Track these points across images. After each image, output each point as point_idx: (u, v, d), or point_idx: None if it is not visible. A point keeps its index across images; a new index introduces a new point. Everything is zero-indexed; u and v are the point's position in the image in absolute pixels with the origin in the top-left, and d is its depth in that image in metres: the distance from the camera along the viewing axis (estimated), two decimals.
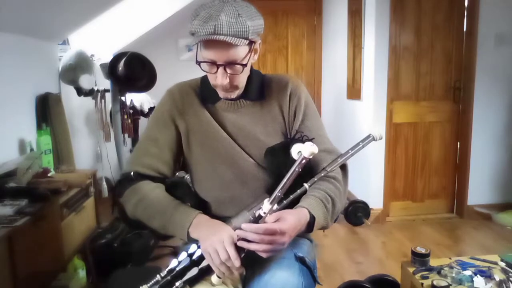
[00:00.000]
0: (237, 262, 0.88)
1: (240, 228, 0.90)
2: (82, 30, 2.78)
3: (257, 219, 0.89)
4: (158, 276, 0.93)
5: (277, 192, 0.87)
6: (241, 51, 0.97)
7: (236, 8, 0.95)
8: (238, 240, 0.89)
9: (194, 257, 0.95)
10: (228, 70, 0.99)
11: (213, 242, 0.90)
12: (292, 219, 0.90)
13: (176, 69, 4.01)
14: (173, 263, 0.95)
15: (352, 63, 3.38)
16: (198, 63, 1.00)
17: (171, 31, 3.98)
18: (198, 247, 0.95)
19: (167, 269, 0.94)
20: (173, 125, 1.12)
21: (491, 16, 2.94)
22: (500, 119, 3.10)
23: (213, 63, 0.98)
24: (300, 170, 0.88)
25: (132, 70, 2.52)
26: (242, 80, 1.06)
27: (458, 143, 3.19)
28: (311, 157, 0.86)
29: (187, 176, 1.21)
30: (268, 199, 0.88)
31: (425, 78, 3.07)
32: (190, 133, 1.12)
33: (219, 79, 1.00)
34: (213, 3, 0.97)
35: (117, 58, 2.54)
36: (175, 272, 0.94)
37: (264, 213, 0.87)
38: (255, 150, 1.09)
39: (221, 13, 0.93)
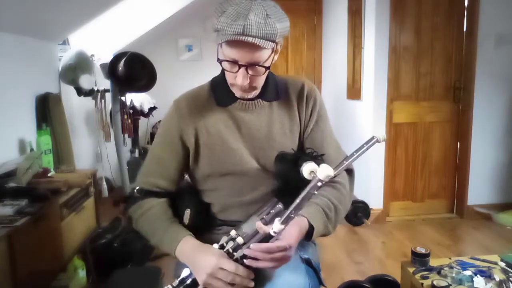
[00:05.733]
0: (251, 275, 0.89)
1: (250, 232, 0.90)
2: (82, 30, 2.78)
3: (268, 239, 0.87)
4: (170, 286, 0.92)
5: (289, 213, 0.85)
6: (265, 53, 0.95)
7: (264, 8, 0.92)
8: (247, 259, 0.88)
9: None
10: (250, 71, 0.97)
11: (211, 272, 0.89)
12: (295, 232, 0.91)
13: (176, 69, 4.02)
14: (185, 272, 0.95)
15: (352, 63, 3.38)
16: (220, 61, 0.98)
17: (171, 31, 3.99)
18: None
19: (178, 279, 0.94)
20: (180, 142, 1.09)
21: (491, 16, 2.94)
22: (500, 119, 3.10)
23: (235, 62, 0.96)
24: (316, 192, 0.85)
25: (132, 70, 2.52)
26: (261, 81, 1.04)
27: (458, 143, 3.19)
28: (326, 179, 0.82)
29: (186, 176, 1.20)
30: (279, 218, 0.85)
31: (425, 78, 3.07)
32: (198, 146, 1.09)
33: (239, 79, 0.97)
34: (240, 0, 0.92)
35: (117, 58, 2.54)
36: (187, 282, 0.93)
37: (275, 232, 0.85)
38: (271, 151, 1.07)
39: (250, 13, 0.89)
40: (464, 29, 3.05)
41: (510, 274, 1.30)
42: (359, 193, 3.14)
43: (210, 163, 1.09)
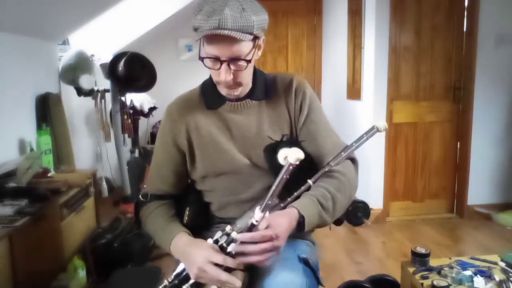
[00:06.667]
0: (241, 266, 0.89)
1: (244, 227, 0.90)
2: (82, 30, 2.79)
3: (250, 228, 0.87)
4: (165, 281, 0.94)
5: (267, 200, 0.86)
6: (245, 47, 0.96)
7: (240, 3, 0.94)
8: (235, 252, 0.89)
9: None
10: (232, 66, 0.97)
11: (200, 266, 0.90)
12: (283, 222, 0.90)
13: (176, 69, 4.01)
14: (180, 267, 0.96)
15: (352, 63, 3.38)
16: (201, 59, 0.99)
17: (171, 31, 3.99)
18: None
19: (174, 274, 0.95)
20: (175, 146, 1.12)
21: (491, 16, 2.94)
22: (500, 119, 3.10)
23: (216, 59, 0.96)
24: (288, 176, 0.85)
25: (132, 70, 2.52)
26: (245, 76, 1.04)
27: (458, 143, 3.19)
28: (297, 163, 0.84)
29: None
30: (259, 206, 0.86)
31: (425, 78, 3.07)
32: (192, 148, 1.12)
33: (222, 75, 0.98)
34: None
35: (117, 58, 2.55)
36: (181, 276, 0.94)
37: (257, 221, 0.86)
38: (262, 150, 1.07)
39: (225, 8, 0.91)
40: (464, 29, 3.05)
41: (510, 274, 1.30)
42: (359, 193, 3.13)
43: (204, 164, 1.11)
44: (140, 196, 1.15)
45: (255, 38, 0.98)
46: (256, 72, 1.11)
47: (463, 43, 3.06)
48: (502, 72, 3.03)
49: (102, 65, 2.74)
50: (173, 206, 1.14)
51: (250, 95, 1.10)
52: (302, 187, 0.98)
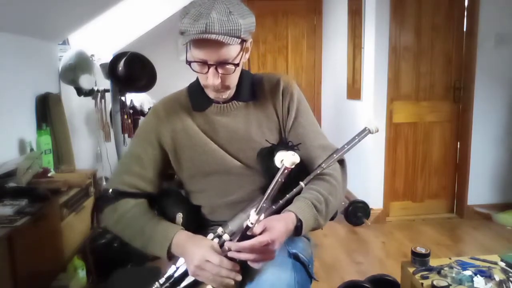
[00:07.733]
0: (237, 267, 0.89)
1: (236, 229, 0.91)
2: (82, 30, 2.78)
3: (245, 231, 0.87)
4: (157, 283, 0.94)
5: (262, 203, 0.85)
6: (233, 50, 0.95)
7: (227, 6, 0.93)
8: (229, 252, 0.89)
9: None
10: (220, 70, 0.96)
11: (198, 264, 0.90)
12: (280, 226, 0.90)
13: (176, 69, 4.00)
14: (171, 269, 0.96)
15: (352, 63, 3.38)
16: (189, 63, 0.97)
17: (171, 31, 3.98)
18: None
19: (165, 276, 0.95)
20: (158, 144, 1.09)
21: (491, 16, 2.94)
22: (500, 119, 3.10)
23: (204, 63, 0.96)
24: (283, 180, 0.85)
25: (132, 70, 2.52)
26: (233, 80, 1.04)
27: (458, 143, 3.19)
28: (293, 166, 0.84)
29: (176, 176, 1.19)
30: (254, 209, 0.86)
31: (425, 78, 3.07)
32: (178, 149, 1.09)
33: (210, 79, 0.97)
34: (203, 1, 0.93)
35: (117, 58, 2.54)
36: (173, 279, 0.94)
37: (252, 223, 0.85)
38: (251, 152, 1.07)
39: (212, 11, 0.90)
40: (464, 29, 3.05)
41: (510, 274, 1.31)
42: (359, 193, 3.14)
43: (192, 163, 1.09)
44: (110, 191, 1.06)
45: (243, 41, 0.97)
46: (242, 73, 1.09)
47: (463, 43, 3.06)
48: (502, 72, 3.03)
49: (102, 65, 2.73)
50: (151, 206, 1.08)
51: (236, 96, 1.09)
52: (294, 190, 0.97)
